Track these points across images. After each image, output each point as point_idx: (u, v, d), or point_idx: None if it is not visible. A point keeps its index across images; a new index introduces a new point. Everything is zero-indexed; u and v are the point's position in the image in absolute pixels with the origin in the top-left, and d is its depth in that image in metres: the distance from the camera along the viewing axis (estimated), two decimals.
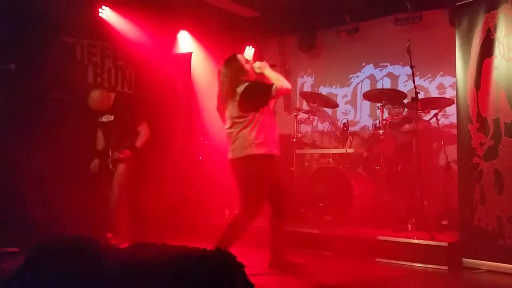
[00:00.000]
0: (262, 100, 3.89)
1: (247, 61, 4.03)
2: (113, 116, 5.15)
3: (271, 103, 4.01)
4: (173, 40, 6.75)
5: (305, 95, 6.66)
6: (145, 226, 5.37)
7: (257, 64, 4.00)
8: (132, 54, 6.34)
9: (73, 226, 4.78)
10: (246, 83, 3.90)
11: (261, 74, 3.98)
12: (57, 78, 5.69)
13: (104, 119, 5.20)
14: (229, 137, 3.97)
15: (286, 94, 3.92)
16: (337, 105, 6.66)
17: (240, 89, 3.87)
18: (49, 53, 5.52)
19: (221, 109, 4.05)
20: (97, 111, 5.19)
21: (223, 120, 4.06)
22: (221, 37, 6.74)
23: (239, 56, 4.04)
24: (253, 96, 3.87)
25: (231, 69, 3.95)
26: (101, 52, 6.16)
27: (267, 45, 7.78)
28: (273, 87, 3.82)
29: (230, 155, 3.98)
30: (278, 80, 3.87)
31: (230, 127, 3.96)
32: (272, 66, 4.10)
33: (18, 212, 5.07)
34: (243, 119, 3.86)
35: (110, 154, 5.12)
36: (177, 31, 6.72)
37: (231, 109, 3.92)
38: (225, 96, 3.96)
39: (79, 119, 5.52)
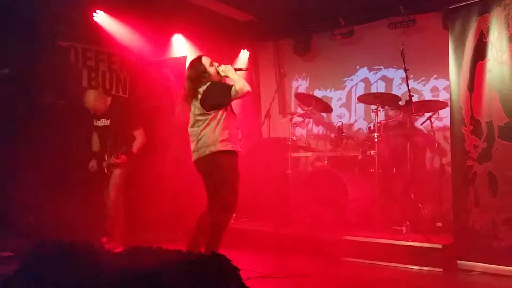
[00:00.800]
0: (222, 99, 4.00)
1: (211, 63, 4.13)
2: (109, 121, 5.15)
3: (233, 103, 4.15)
4: (167, 44, 6.75)
5: (299, 97, 6.68)
6: (141, 231, 5.36)
7: (222, 67, 4.12)
8: (126, 58, 6.34)
9: (68, 231, 4.76)
10: (208, 83, 4.02)
11: (226, 77, 4.11)
12: (52, 82, 5.68)
13: (100, 123, 5.20)
14: (192, 137, 4.08)
15: (246, 96, 4.13)
16: (331, 110, 6.69)
17: (202, 88, 4.01)
18: (43, 57, 5.50)
19: (186, 109, 4.20)
20: (92, 113, 5.19)
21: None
22: (216, 41, 6.74)
23: (204, 58, 4.15)
24: (214, 95, 3.99)
25: (194, 71, 4.08)
26: (95, 56, 6.15)
27: (263, 48, 7.80)
28: (233, 88, 3.94)
29: (195, 156, 4.06)
30: (238, 82, 3.97)
31: (192, 126, 4.08)
32: (238, 70, 4.22)
33: (13, 217, 5.04)
34: (205, 117, 3.98)
35: (106, 158, 5.11)
36: (172, 35, 6.73)
37: (194, 108, 4.05)
38: (187, 97, 4.09)
39: (74, 122, 5.51)
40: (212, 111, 3.96)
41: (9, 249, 4.47)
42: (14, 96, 5.26)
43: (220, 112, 3.98)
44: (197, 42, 6.77)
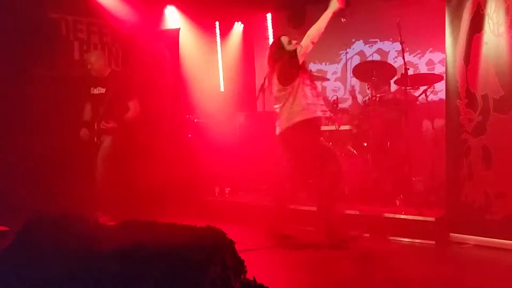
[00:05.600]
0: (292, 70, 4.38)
1: (289, 41, 4.49)
2: (104, 89, 5.11)
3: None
4: (160, 16, 6.63)
5: None
6: (134, 204, 5.36)
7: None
8: (118, 30, 6.23)
9: (62, 205, 4.75)
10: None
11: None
12: (42, 55, 5.59)
13: (96, 91, 5.17)
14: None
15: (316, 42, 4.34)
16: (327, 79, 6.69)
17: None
18: (34, 29, 5.40)
19: None
20: (94, 75, 5.16)
21: None
22: (209, 13, 6.64)
23: (282, 38, 4.55)
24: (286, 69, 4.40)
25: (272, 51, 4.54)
26: (87, 28, 6.04)
27: (257, 21, 7.69)
28: (298, 48, 4.28)
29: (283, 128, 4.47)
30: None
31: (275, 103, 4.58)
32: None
33: (5, 191, 5.02)
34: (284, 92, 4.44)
35: (96, 126, 5.06)
36: (164, 6, 6.61)
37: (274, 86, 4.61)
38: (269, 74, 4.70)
39: (66, 95, 5.46)
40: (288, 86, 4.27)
41: (4, 223, 4.46)
42: (3, 68, 5.18)
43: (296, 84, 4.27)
44: (190, 14, 6.66)
